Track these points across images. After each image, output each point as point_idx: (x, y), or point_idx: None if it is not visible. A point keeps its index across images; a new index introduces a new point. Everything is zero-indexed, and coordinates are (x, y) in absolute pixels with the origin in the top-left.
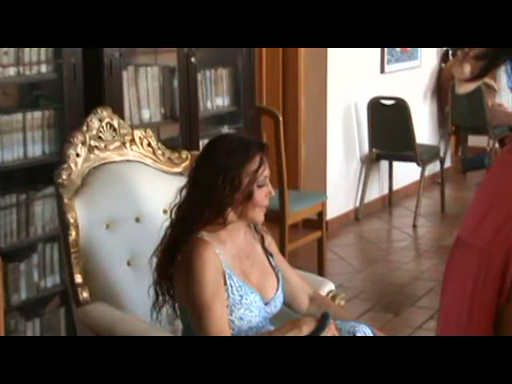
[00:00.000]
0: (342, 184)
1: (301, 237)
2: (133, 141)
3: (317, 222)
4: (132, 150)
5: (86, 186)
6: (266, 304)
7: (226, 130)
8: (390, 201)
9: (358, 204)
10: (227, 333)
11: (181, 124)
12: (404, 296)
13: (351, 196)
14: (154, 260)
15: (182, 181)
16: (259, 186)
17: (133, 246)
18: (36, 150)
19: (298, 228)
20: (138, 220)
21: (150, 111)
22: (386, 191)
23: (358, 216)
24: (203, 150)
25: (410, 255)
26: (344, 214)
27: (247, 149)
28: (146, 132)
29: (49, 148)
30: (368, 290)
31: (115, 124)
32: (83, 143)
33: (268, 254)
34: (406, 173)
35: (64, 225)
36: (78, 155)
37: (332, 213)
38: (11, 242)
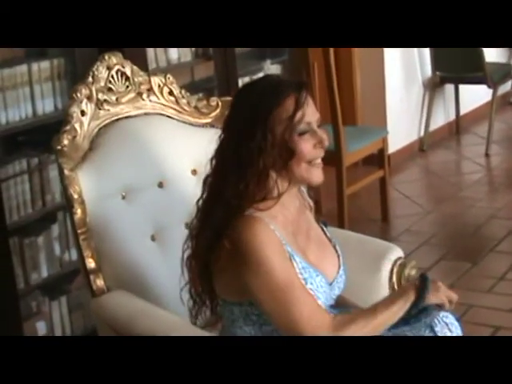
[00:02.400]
0: (403, 113)
1: (360, 178)
2: (150, 90)
3: (378, 160)
4: (150, 100)
5: (96, 150)
6: (329, 286)
7: (268, 65)
8: (458, 127)
9: (422, 134)
10: (327, 317)
11: (215, 62)
12: (481, 239)
13: (414, 125)
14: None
15: (213, 133)
16: (301, 134)
17: (157, 216)
18: (46, 106)
19: (357, 166)
20: (161, 185)
21: (179, 50)
22: (452, 117)
23: (422, 147)
24: (231, 103)
25: (484, 190)
26: (407, 145)
27: (276, 90)
28: (166, 78)
29: (61, 102)
30: (439, 234)
31: (127, 72)
32: (89, 98)
33: (321, 222)
34: (474, 95)
35: (68, 202)
36: (83, 113)
37: (394, 145)
38: (26, 213)
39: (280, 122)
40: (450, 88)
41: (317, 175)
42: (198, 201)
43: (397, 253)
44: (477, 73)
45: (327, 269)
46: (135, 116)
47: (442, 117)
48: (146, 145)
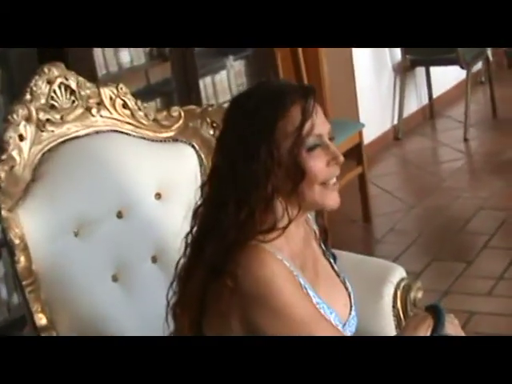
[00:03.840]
0: (375, 101)
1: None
2: (101, 104)
3: (355, 155)
4: (101, 116)
5: (40, 181)
6: (343, 327)
7: (230, 61)
8: (432, 112)
9: (396, 121)
10: None
11: (172, 63)
12: (472, 235)
13: (387, 113)
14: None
15: (177, 148)
16: (310, 150)
17: (118, 252)
18: None
19: None
20: (120, 215)
21: (130, 52)
22: (425, 101)
23: (397, 135)
24: (223, 118)
25: (467, 178)
26: (381, 135)
27: (278, 98)
28: (118, 89)
29: None
30: (426, 232)
31: (72, 84)
32: (28, 119)
33: (327, 254)
34: (446, 77)
35: (8, 249)
36: (21, 138)
37: (368, 136)
38: None
39: (286, 136)
40: (421, 71)
41: (333, 198)
42: (187, 236)
43: (399, 274)
44: (449, 54)
45: (339, 309)
46: (85, 135)
47: (414, 102)
48: (100, 169)
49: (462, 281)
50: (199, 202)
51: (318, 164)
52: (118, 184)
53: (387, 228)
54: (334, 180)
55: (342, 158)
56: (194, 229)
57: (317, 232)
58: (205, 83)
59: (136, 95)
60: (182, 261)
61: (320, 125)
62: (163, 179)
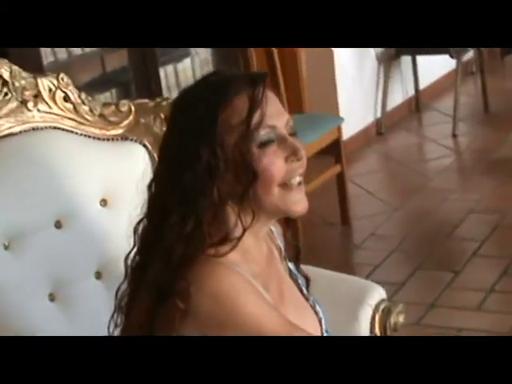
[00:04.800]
0: (356, 92)
1: (314, 175)
2: (38, 96)
3: (333, 152)
4: (39, 110)
5: None
6: None
7: (195, 48)
8: (418, 105)
9: (378, 115)
10: None
11: (129, 49)
12: (460, 241)
13: (369, 106)
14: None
15: (126, 148)
16: (263, 146)
17: (56, 268)
18: None
19: (310, 160)
20: (59, 225)
21: None
22: (411, 93)
23: (380, 130)
24: (171, 108)
25: (456, 178)
26: (363, 129)
27: (221, 88)
28: (58, 79)
29: None
30: (410, 237)
31: (4, 74)
32: None
33: (295, 275)
34: (434, 67)
35: None
36: None
37: (348, 130)
38: None
39: (231, 130)
40: (406, 60)
41: (298, 202)
42: (127, 257)
43: (378, 295)
44: None
45: None
46: (20, 133)
47: (399, 94)
48: (36, 171)
49: (448, 293)
50: (139, 217)
51: (273, 161)
52: (57, 189)
53: (367, 232)
54: (298, 179)
55: (303, 152)
56: (135, 248)
57: (282, 249)
58: (166, 72)
59: (86, 86)
60: (122, 287)
61: (273, 116)
62: (110, 183)
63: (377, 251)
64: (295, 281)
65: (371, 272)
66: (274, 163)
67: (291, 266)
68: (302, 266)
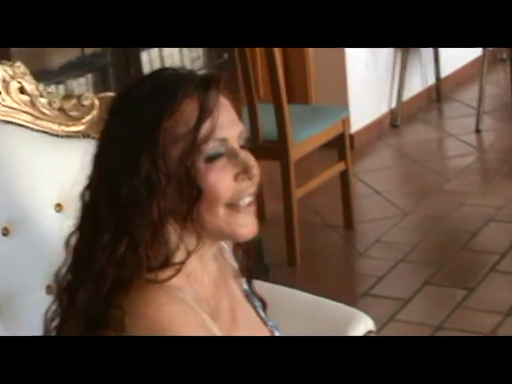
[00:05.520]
0: (370, 80)
1: (317, 171)
2: None
3: (338, 148)
4: None
5: None
6: None
7: None
8: (439, 94)
9: (394, 105)
10: None
11: None
12: (477, 253)
13: (384, 95)
14: None
15: (87, 147)
16: (211, 160)
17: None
18: None
19: (315, 154)
20: (6, 232)
21: None
22: (431, 82)
23: (395, 122)
24: (110, 106)
25: (477, 180)
26: (376, 121)
27: (168, 91)
28: (13, 68)
29: None
30: (421, 246)
31: None
32: None
33: (251, 296)
34: (458, 53)
35: None
36: None
37: (359, 121)
38: None
39: (176, 141)
40: None
41: (245, 225)
42: (57, 273)
43: (364, 325)
44: None
45: None
46: None
47: (418, 82)
48: None
49: (459, 313)
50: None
51: (220, 178)
52: (7, 191)
53: (373, 238)
54: (248, 199)
55: (255, 170)
56: (66, 267)
57: (236, 268)
58: (150, 57)
59: (61, 70)
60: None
61: (225, 126)
62: (66, 186)
63: (382, 260)
64: (252, 303)
65: (373, 284)
66: (222, 181)
67: (246, 287)
68: (274, 285)
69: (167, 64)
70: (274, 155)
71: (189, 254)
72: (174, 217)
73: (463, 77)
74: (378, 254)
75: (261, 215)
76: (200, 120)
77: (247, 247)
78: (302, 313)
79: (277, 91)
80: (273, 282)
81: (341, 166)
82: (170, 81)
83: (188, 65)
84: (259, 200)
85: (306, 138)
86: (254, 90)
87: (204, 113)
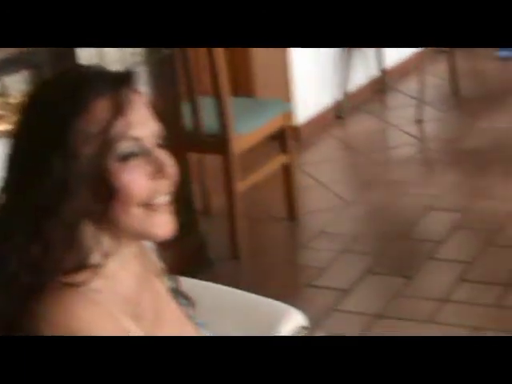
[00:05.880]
0: (314, 72)
1: (259, 167)
2: None
3: (279, 142)
4: None
5: None
6: None
7: None
8: (383, 85)
9: (338, 96)
10: None
11: None
12: (418, 242)
13: (328, 87)
14: None
15: None
16: (124, 159)
17: None
18: None
19: (261, 146)
20: None
21: None
22: (375, 73)
23: (340, 113)
24: (21, 106)
25: (418, 170)
26: (321, 113)
27: (78, 88)
28: None
29: None
30: (364, 236)
31: None
32: None
33: (177, 295)
34: None
35: None
36: None
37: (304, 114)
38: None
39: (87, 140)
40: None
41: (160, 225)
42: None
43: (296, 321)
44: None
45: None
46: None
47: (362, 74)
48: None
49: (399, 301)
50: None
51: (134, 178)
52: None
53: (317, 229)
54: (163, 199)
55: (170, 169)
56: None
57: (160, 266)
58: (88, 53)
59: None
60: None
61: (139, 125)
62: None
63: (324, 251)
64: (178, 301)
65: (316, 276)
66: (135, 180)
67: (172, 284)
68: (205, 283)
69: (106, 60)
70: (215, 149)
71: (105, 255)
72: (89, 218)
73: (406, 68)
74: (321, 245)
75: (206, 209)
76: (112, 119)
77: (172, 245)
78: (233, 310)
79: (217, 84)
80: (217, 275)
81: (283, 159)
82: (81, 79)
83: (128, 60)
84: (204, 193)
85: (247, 131)
86: (196, 83)
87: (116, 111)
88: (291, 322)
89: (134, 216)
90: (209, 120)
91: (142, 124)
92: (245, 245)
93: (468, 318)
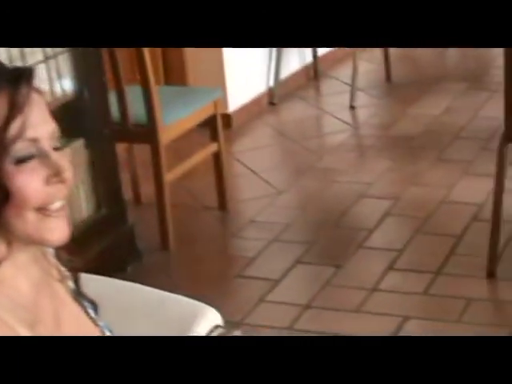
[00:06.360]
0: (247, 59)
1: (191, 154)
2: None
3: (210, 130)
4: None
5: None
6: None
7: None
8: (316, 72)
9: (272, 83)
10: None
11: None
12: (348, 230)
13: (262, 74)
14: None
15: None
16: (20, 162)
17: None
18: None
19: (193, 138)
20: None
21: None
22: (309, 59)
23: (273, 99)
24: None
25: (350, 157)
26: (254, 99)
27: None
28: None
29: None
30: (295, 225)
31: None
32: None
33: (80, 297)
34: None
35: None
36: None
37: (237, 101)
38: None
39: None
40: None
41: (55, 230)
42: None
43: (209, 320)
44: None
45: None
46: None
47: (296, 60)
48: None
49: (328, 291)
50: None
51: (29, 181)
52: None
53: (247, 218)
54: (59, 204)
55: (68, 174)
56: None
57: (61, 270)
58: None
59: None
60: None
61: (37, 125)
62: None
63: (255, 241)
64: (81, 304)
65: (245, 266)
66: (31, 184)
67: (75, 287)
68: (118, 282)
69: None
70: (143, 139)
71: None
72: None
73: (340, 54)
74: (252, 235)
75: (136, 198)
76: (9, 118)
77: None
78: (145, 309)
79: (144, 74)
80: (146, 267)
81: (213, 148)
82: None
83: (51, 49)
84: (134, 182)
85: (176, 120)
86: (124, 72)
87: (13, 110)
88: (206, 322)
89: (28, 221)
90: (137, 109)
91: (40, 124)
92: (175, 235)
93: (396, 307)
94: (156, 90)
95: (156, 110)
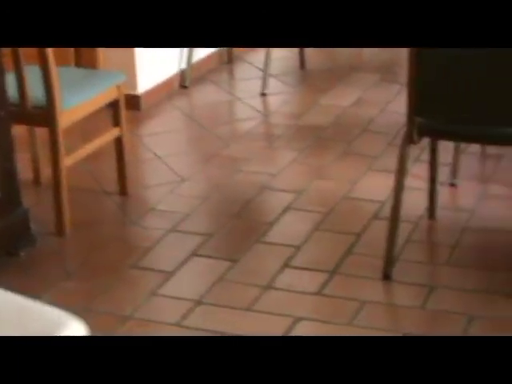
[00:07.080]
0: None
1: (92, 138)
2: None
3: (112, 114)
4: None
5: None
6: None
7: None
8: (230, 56)
9: (184, 65)
10: None
11: None
12: (249, 223)
13: (174, 54)
14: None
15: None
16: None
17: None
18: None
19: (99, 119)
20: None
21: None
22: None
23: (184, 82)
24: None
25: (259, 146)
26: (165, 82)
27: None
28: None
29: None
30: (195, 215)
31: None
32: None
33: None
34: None
35: None
36: None
37: (147, 83)
38: None
39: None
40: None
41: None
42: None
43: (73, 331)
44: None
45: None
46: None
47: None
48: None
49: (221, 286)
50: None
51: None
52: None
53: (148, 206)
54: None
55: None
56: None
57: None
58: None
59: None
60: None
61: None
62: None
63: (153, 230)
64: None
65: (141, 256)
66: None
67: None
68: None
69: None
70: (41, 122)
71: None
72: None
73: None
74: (151, 223)
75: (36, 179)
76: None
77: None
78: (8, 316)
79: (43, 54)
80: (40, 252)
81: (115, 132)
82: None
83: None
84: (35, 164)
85: (76, 104)
86: (23, 51)
87: None
88: (69, 333)
89: None
90: (35, 91)
91: None
92: (72, 220)
93: (289, 306)
94: (56, 71)
95: (55, 93)
